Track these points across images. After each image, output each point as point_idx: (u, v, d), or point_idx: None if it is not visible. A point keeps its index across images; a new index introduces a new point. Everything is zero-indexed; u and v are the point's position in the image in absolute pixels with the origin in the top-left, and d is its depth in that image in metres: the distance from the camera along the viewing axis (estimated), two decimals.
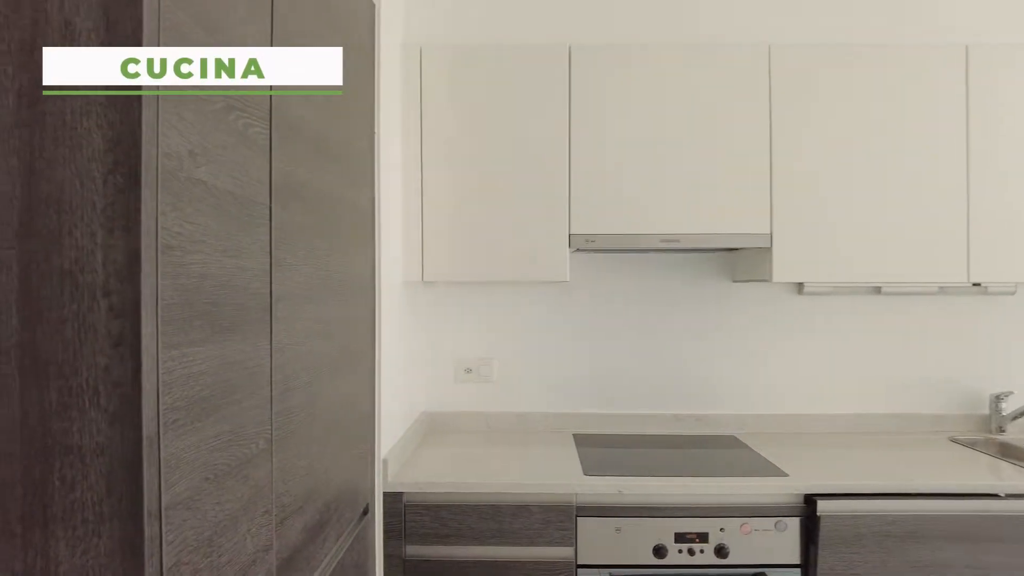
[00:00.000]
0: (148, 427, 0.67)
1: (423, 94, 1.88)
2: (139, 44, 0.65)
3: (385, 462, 1.63)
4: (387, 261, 1.71)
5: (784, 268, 1.88)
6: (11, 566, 0.66)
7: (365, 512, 1.54)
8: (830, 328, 2.21)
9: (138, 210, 0.65)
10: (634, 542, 1.62)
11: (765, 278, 1.90)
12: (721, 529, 1.62)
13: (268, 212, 0.97)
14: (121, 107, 0.65)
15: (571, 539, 1.61)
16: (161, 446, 0.68)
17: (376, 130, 1.61)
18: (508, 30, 2.17)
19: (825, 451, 1.92)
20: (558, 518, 1.61)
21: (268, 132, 0.96)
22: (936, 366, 2.21)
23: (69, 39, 0.66)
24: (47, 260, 0.66)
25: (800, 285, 2.16)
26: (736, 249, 2.09)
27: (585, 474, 1.68)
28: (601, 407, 2.20)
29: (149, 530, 0.67)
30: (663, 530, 1.62)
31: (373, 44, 1.60)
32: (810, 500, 1.64)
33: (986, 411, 2.19)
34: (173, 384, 0.71)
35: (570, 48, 1.88)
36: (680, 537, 1.62)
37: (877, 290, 2.15)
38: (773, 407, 2.20)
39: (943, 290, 1.97)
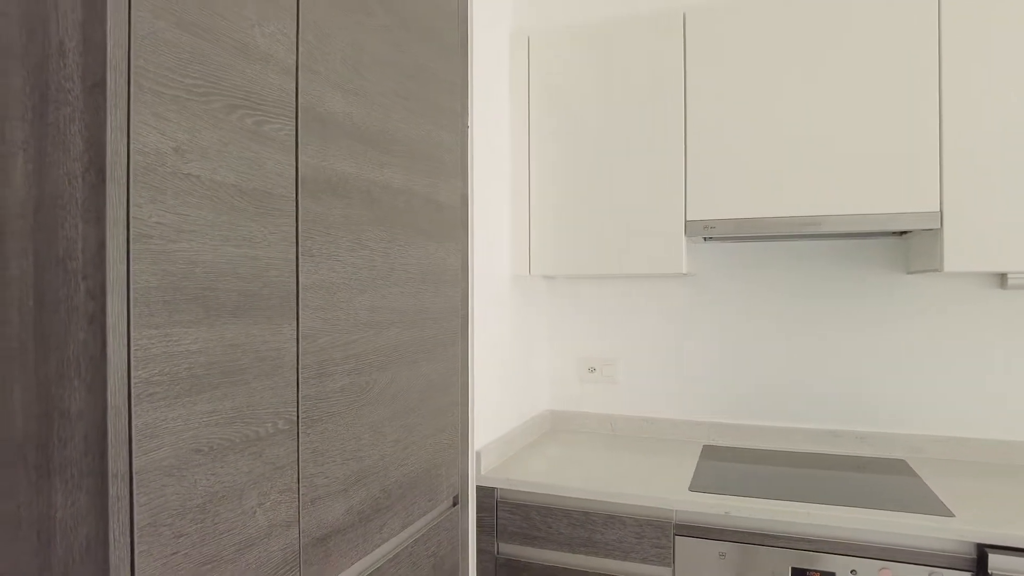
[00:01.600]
0: (115, 397, 0.74)
1: (531, 82, 1.85)
2: (104, 55, 0.73)
3: (479, 455, 1.63)
4: (488, 254, 1.72)
5: (960, 254, 1.50)
6: (29, 509, 0.78)
7: (455, 504, 1.56)
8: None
9: (103, 203, 0.73)
10: (741, 571, 1.41)
11: (936, 267, 1.54)
12: (852, 571, 1.34)
13: (294, 204, 1.02)
14: (92, 111, 0.74)
15: (668, 559, 1.46)
16: (132, 415, 0.75)
17: (469, 123, 1.62)
18: (615, 7, 2.05)
19: (1017, 490, 1.50)
20: (653, 534, 1.47)
21: (293, 128, 1.01)
22: None
23: (62, 56, 0.76)
24: (49, 250, 0.76)
25: (1003, 277, 1.73)
26: (907, 232, 1.74)
27: (690, 489, 1.51)
28: (741, 417, 1.96)
29: (114, 490, 0.73)
30: (779, 562, 1.39)
31: (465, 38, 1.62)
32: (982, 552, 1.29)
33: None
34: (150, 360, 0.78)
35: (684, 15, 1.72)
36: (799, 573, 1.37)
37: None
38: (957, 429, 1.78)
39: None
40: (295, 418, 1.01)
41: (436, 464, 1.45)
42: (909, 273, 1.82)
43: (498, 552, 1.62)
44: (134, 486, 0.75)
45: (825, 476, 1.61)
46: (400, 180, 1.32)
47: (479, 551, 1.63)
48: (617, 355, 2.09)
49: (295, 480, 1.01)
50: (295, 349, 1.01)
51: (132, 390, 0.75)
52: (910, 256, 1.79)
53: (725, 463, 1.71)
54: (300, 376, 1.02)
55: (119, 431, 0.74)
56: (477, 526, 1.63)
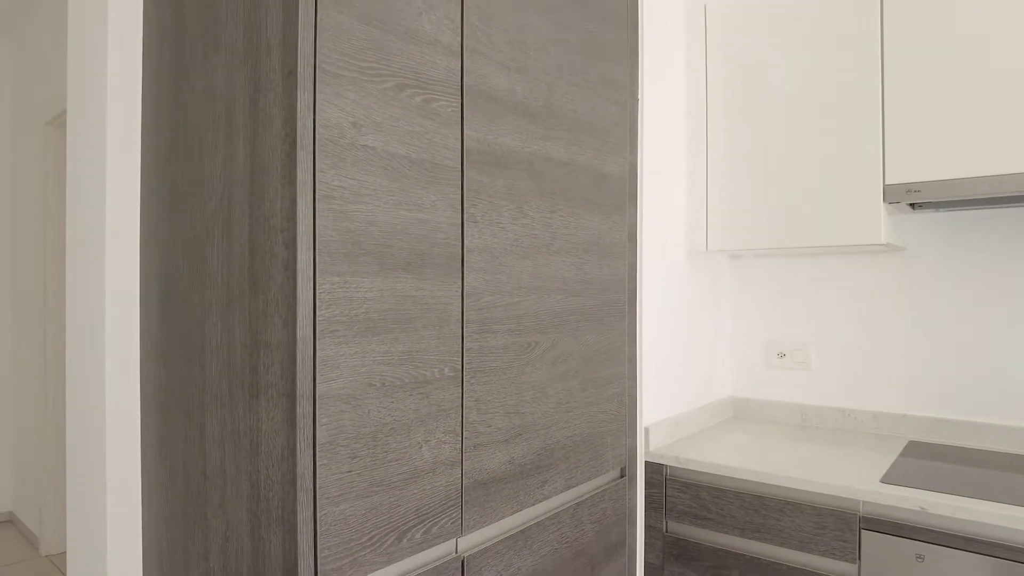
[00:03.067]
0: (303, 331, 0.88)
1: (708, 50, 1.79)
2: (296, 48, 0.88)
3: (647, 431, 1.62)
4: (661, 228, 1.70)
5: None
6: (244, 421, 0.96)
7: (622, 475, 1.57)
8: None
9: (294, 169, 0.88)
10: None
11: None
12: None
13: (459, 175, 1.12)
14: (287, 95, 0.89)
15: (853, 554, 1.33)
16: (317, 348, 0.90)
17: (639, 95, 1.61)
18: None
19: None
20: (835, 526, 1.35)
21: (458, 105, 1.11)
22: None
23: (268, 52, 0.93)
24: (259, 210, 0.94)
25: None
26: None
27: (882, 481, 1.35)
28: (953, 412, 1.70)
29: (300, 409, 0.88)
30: (988, 573, 1.19)
31: (635, 9, 1.61)
32: None
33: None
34: (332, 302, 0.92)
35: None
36: None
37: None
38: None
39: None
40: (459, 367, 1.11)
41: (601, 433, 1.47)
42: None
43: (667, 530, 1.59)
44: (316, 408, 0.89)
45: None
46: (563, 152, 1.37)
47: (647, 527, 1.62)
48: (810, 339, 1.93)
49: (459, 424, 1.11)
50: (459, 305, 1.11)
51: (316, 326, 0.89)
52: None
53: (931, 461, 1.50)
54: (465, 330, 1.12)
55: (306, 360, 0.89)
56: (646, 502, 1.62)
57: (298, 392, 0.88)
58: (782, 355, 1.97)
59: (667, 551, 1.58)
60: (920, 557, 1.26)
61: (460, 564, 1.10)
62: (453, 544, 1.11)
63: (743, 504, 1.47)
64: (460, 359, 1.11)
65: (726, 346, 2.06)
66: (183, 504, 1.07)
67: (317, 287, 0.89)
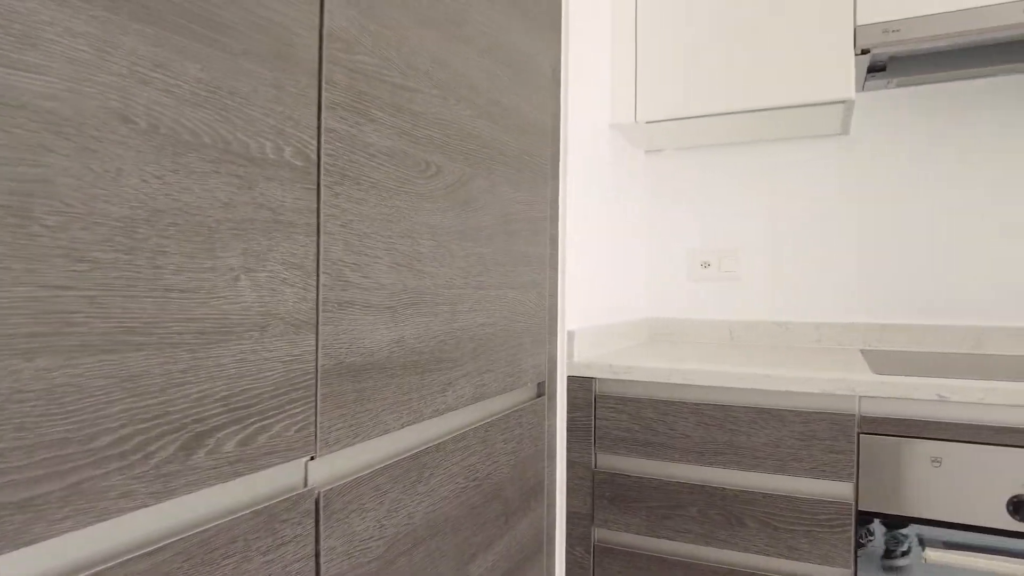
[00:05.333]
0: None
1: None
2: None
3: (571, 335, 1.22)
4: (579, 103, 1.31)
5: None
6: None
7: (540, 393, 1.16)
8: None
9: None
10: (967, 485, 0.96)
11: None
12: None
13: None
14: None
15: (849, 469, 1.01)
16: None
17: None
18: None
19: None
20: (827, 433, 1.03)
21: None
22: None
23: None
24: None
25: None
26: None
27: (874, 372, 1.06)
28: (903, 316, 1.49)
29: None
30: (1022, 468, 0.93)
31: None
32: None
33: None
34: None
35: None
36: None
37: None
38: None
39: None
40: (314, 153, 0.62)
41: (517, 331, 1.04)
42: None
43: (596, 465, 1.20)
44: None
45: None
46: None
47: (570, 463, 1.21)
48: (739, 245, 1.64)
49: (313, 256, 0.62)
50: (316, 37, 0.63)
51: None
52: None
53: (903, 365, 1.24)
54: (324, 88, 0.63)
55: None
56: (568, 429, 1.22)
57: None
58: (706, 264, 1.67)
59: (598, 492, 1.19)
60: (937, 461, 0.97)
61: (313, 504, 0.62)
62: (300, 468, 0.62)
63: (702, 419, 1.11)
64: (316, 140, 0.63)
65: (641, 255, 1.72)
66: None
67: None
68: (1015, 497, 0.93)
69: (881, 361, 1.25)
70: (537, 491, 1.13)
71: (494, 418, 0.99)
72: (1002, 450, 0.94)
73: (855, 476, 1.01)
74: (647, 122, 1.43)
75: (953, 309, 1.45)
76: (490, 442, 0.97)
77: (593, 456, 1.20)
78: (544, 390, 1.16)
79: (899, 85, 1.48)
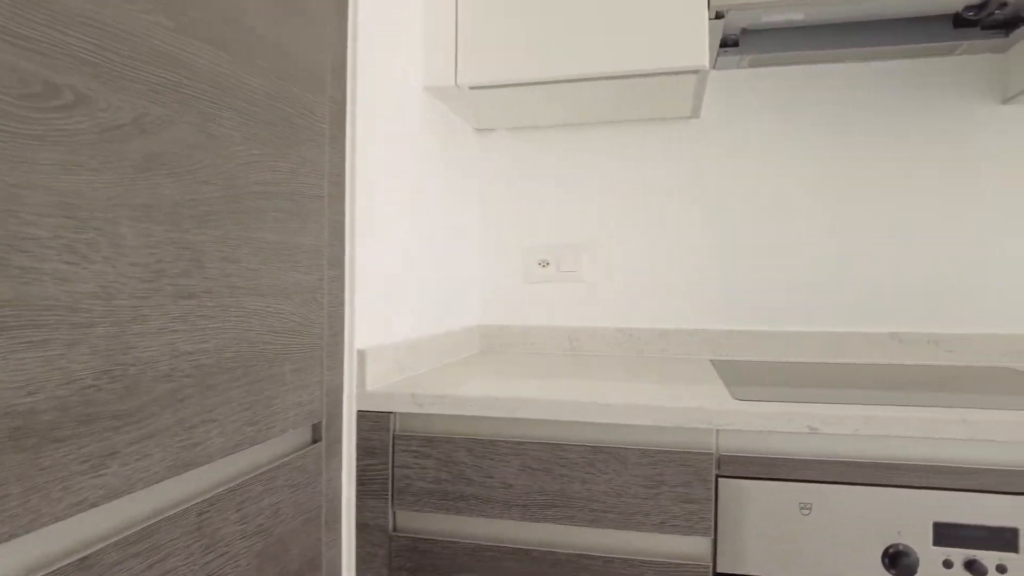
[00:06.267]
0: None
1: None
2: None
3: (361, 356, 0.91)
4: (383, 53, 1.01)
5: None
6: None
7: (317, 439, 0.85)
8: None
9: None
10: (840, 535, 0.78)
11: None
12: None
13: None
14: None
15: (705, 521, 0.81)
16: None
17: None
18: None
19: None
20: (680, 478, 0.81)
21: None
22: None
23: None
24: None
25: None
26: (1014, 29, 1.17)
27: (734, 397, 0.86)
28: (764, 322, 1.35)
29: None
30: (910, 516, 0.77)
31: None
32: None
33: None
34: None
35: None
36: (947, 533, 0.76)
37: None
38: None
39: None
40: None
41: (269, 356, 0.72)
42: (1006, 103, 1.26)
43: (394, 527, 0.91)
44: None
45: (916, 395, 1.00)
46: None
47: (361, 527, 0.91)
48: (582, 241, 1.43)
49: None
50: None
51: None
52: (1013, 73, 1.23)
53: (759, 387, 1.07)
54: None
55: None
56: (359, 482, 0.91)
57: None
58: (545, 263, 1.44)
59: (396, 564, 0.90)
60: (806, 507, 0.79)
61: None
62: None
63: (527, 462, 0.86)
64: None
65: (472, 252, 1.46)
66: None
67: None
68: (891, 547, 0.76)
69: (737, 376, 1.07)
70: (310, 572, 0.82)
71: (222, 489, 0.66)
72: (877, 491, 0.77)
73: (713, 530, 0.81)
74: (471, 87, 1.16)
75: (808, 314, 1.33)
76: (209, 528, 0.64)
77: (391, 516, 0.91)
78: (320, 433, 0.85)
79: (752, 64, 1.33)
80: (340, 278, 0.90)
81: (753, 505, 0.80)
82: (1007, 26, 1.19)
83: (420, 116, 1.16)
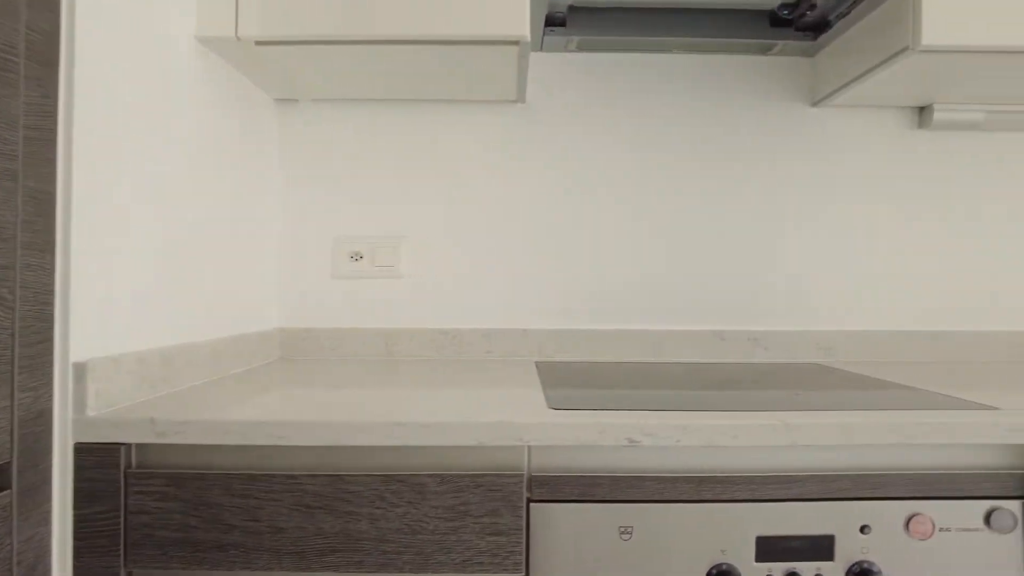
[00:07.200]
0: None
1: None
2: None
3: (80, 369, 0.69)
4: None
5: (943, 17, 0.97)
6: None
7: (5, 487, 0.62)
8: (973, 188, 1.31)
9: None
10: (663, 559, 0.70)
11: (901, 47, 0.99)
12: (863, 529, 0.70)
13: None
14: None
15: (516, 556, 0.69)
16: None
17: None
18: None
19: (1010, 385, 1.01)
20: (486, 506, 0.69)
21: None
22: None
23: None
24: None
25: (925, 112, 1.27)
26: (822, 33, 1.20)
27: (550, 406, 0.75)
28: (587, 320, 1.28)
29: None
30: (734, 531, 0.70)
31: None
32: None
33: None
34: None
35: None
36: (768, 547, 0.70)
37: None
38: (877, 320, 1.30)
39: None
40: None
41: None
42: (814, 105, 1.29)
43: None
44: None
45: (743, 395, 0.96)
46: None
47: None
48: (400, 232, 1.28)
49: None
50: None
51: None
52: (820, 75, 1.26)
53: (582, 390, 0.98)
54: None
55: None
56: (76, 536, 0.69)
57: None
58: (358, 257, 1.26)
59: None
60: (627, 531, 0.69)
61: None
62: None
63: (303, 500, 0.69)
64: None
65: (268, 240, 1.25)
66: None
67: None
68: (714, 568, 0.69)
69: (559, 380, 0.98)
70: None
71: None
72: (701, 507, 0.70)
73: (524, 565, 0.69)
74: (258, 42, 0.97)
75: (636, 312, 1.28)
76: None
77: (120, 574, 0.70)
78: (9, 479, 0.62)
79: (580, 48, 1.26)
80: (47, 267, 0.67)
81: (569, 533, 0.69)
82: (816, 29, 1.22)
83: (197, 75, 0.95)
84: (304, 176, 1.28)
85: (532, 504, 0.69)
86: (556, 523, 0.69)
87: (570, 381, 0.98)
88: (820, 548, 0.70)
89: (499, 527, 0.69)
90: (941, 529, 0.71)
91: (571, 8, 1.17)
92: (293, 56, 1.02)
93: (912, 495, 0.72)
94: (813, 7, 1.15)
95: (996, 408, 0.76)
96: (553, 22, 1.19)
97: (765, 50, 1.27)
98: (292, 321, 1.27)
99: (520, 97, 1.24)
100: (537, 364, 1.19)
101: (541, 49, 1.27)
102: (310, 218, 1.27)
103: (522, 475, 0.69)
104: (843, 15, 1.14)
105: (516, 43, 0.96)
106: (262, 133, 1.21)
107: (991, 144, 1.30)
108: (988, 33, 0.97)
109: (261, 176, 1.21)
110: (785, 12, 1.18)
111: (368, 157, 1.28)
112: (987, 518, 0.71)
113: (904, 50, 0.99)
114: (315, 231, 1.27)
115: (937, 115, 1.25)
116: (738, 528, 0.70)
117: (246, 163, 1.14)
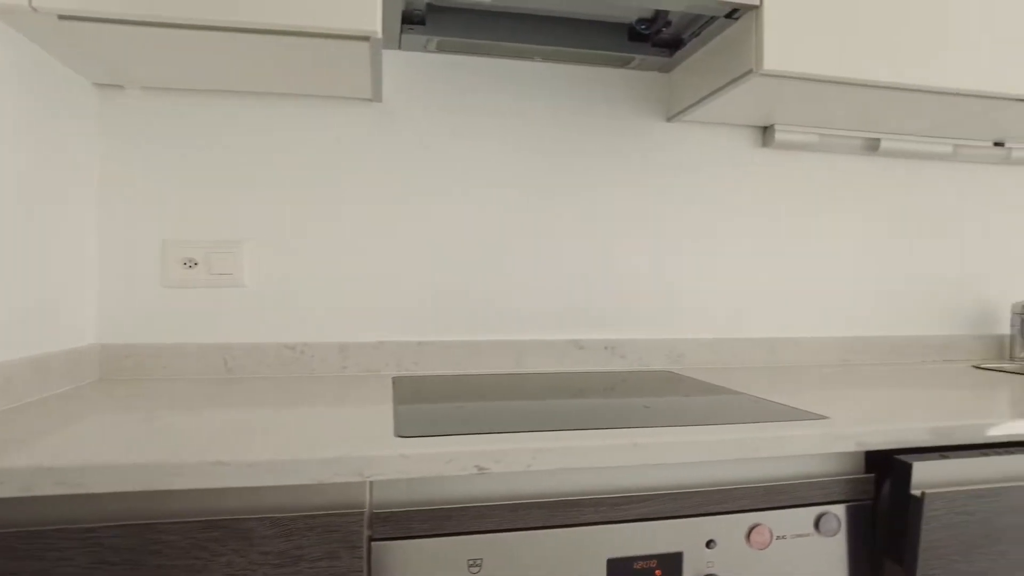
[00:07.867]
0: None
1: None
2: None
3: None
4: None
5: (785, 44, 1.02)
6: None
7: None
8: (808, 204, 1.41)
9: None
10: None
11: (746, 69, 1.04)
12: (708, 543, 0.72)
13: None
14: None
15: None
16: None
17: None
18: None
19: (838, 391, 1.09)
20: (322, 549, 0.62)
21: None
22: (949, 266, 1.49)
23: None
24: None
25: (768, 132, 1.35)
26: (677, 50, 1.23)
27: (397, 434, 0.70)
28: (440, 332, 1.24)
29: None
30: (585, 555, 0.68)
31: None
32: (881, 464, 0.79)
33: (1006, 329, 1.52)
34: None
35: None
36: (620, 568, 0.69)
37: (874, 146, 1.39)
38: (723, 328, 1.37)
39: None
40: None
41: None
42: (669, 120, 1.33)
43: None
44: None
45: (597, 404, 0.96)
46: None
47: None
48: (242, 235, 1.16)
49: None
50: None
51: None
52: (675, 91, 1.30)
53: (437, 404, 0.93)
54: None
55: None
56: None
57: None
58: (191, 263, 1.14)
59: None
60: (475, 564, 0.65)
61: None
62: None
63: (102, 558, 0.59)
64: None
65: (85, 244, 1.09)
66: None
67: None
68: None
69: (414, 397, 0.93)
70: None
71: None
72: (552, 533, 0.68)
73: None
74: (60, 16, 0.83)
75: (495, 322, 1.26)
76: None
77: None
78: None
79: (440, 49, 1.21)
80: None
81: (414, 571, 0.64)
82: (672, 46, 1.25)
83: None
84: (128, 172, 1.13)
85: (373, 543, 0.64)
86: (400, 561, 0.64)
87: (426, 397, 0.94)
88: (669, 566, 0.70)
89: (337, 570, 0.63)
90: (778, 537, 0.74)
91: (430, 7, 1.12)
92: (107, 35, 0.89)
93: (753, 507, 0.74)
94: (668, 24, 1.18)
95: (826, 417, 0.81)
96: (411, 20, 1.14)
97: (624, 63, 1.29)
98: (114, 336, 1.12)
99: (376, 96, 1.17)
100: (394, 380, 1.13)
101: (400, 47, 1.21)
102: (136, 219, 1.13)
103: (363, 512, 0.63)
104: (696, 34, 1.18)
105: (367, 39, 0.90)
106: (76, 120, 1.05)
107: (824, 164, 1.41)
108: (823, 63, 1.03)
109: (75, 169, 1.05)
110: (643, 27, 1.21)
111: (206, 153, 1.15)
112: (816, 523, 0.75)
113: (748, 72, 1.03)
114: (142, 234, 1.13)
115: (778, 135, 1.34)
116: (589, 552, 0.69)
117: (49, 154, 0.98)
